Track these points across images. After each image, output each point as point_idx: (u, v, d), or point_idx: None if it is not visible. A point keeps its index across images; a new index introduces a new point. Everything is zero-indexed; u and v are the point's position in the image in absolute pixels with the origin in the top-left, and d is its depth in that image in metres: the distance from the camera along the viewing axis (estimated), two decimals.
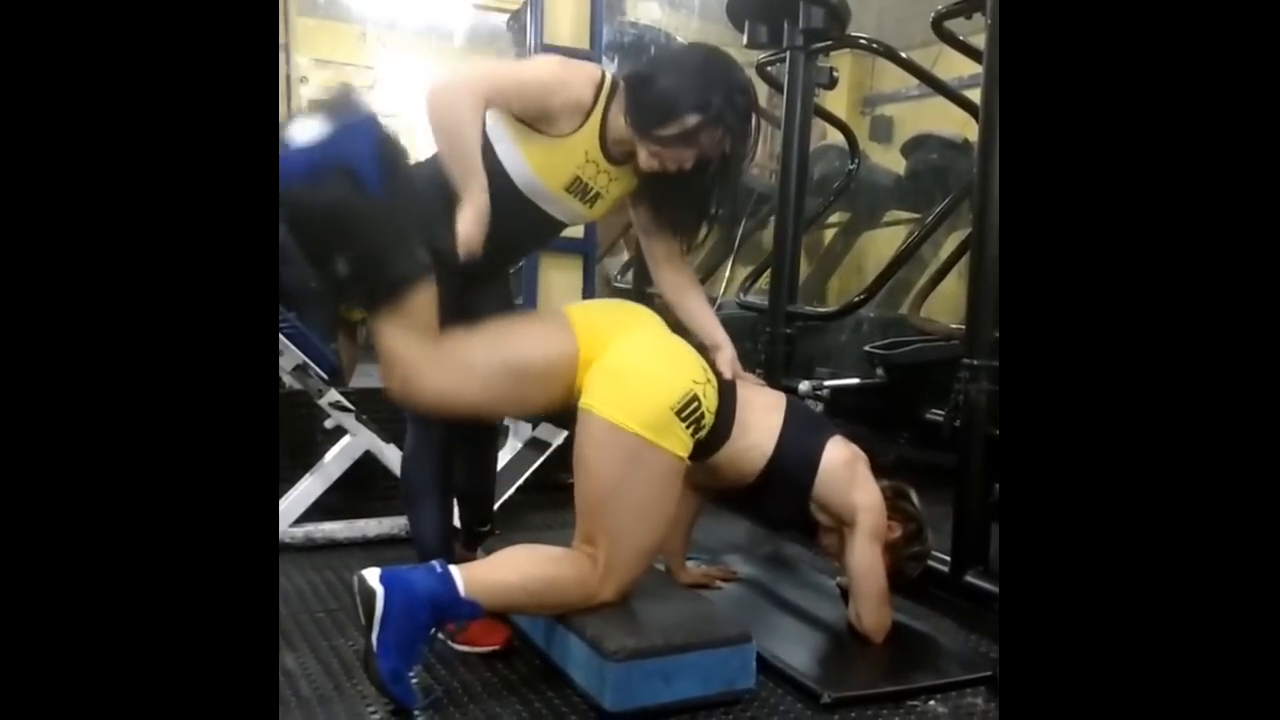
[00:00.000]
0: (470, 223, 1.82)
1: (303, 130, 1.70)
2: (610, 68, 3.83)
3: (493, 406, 1.93)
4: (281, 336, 2.77)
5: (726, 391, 2.00)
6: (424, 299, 1.80)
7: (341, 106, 1.74)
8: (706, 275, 4.76)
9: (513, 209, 1.93)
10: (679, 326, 2.15)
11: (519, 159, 1.93)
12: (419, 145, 2.01)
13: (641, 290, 4.40)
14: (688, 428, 1.86)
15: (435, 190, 1.87)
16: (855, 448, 2.13)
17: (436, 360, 1.84)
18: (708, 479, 2.10)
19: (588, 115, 1.92)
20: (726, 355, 2.12)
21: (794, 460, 2.06)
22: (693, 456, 1.92)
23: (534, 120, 1.91)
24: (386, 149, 1.74)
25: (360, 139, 1.72)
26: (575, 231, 3.18)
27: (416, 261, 1.77)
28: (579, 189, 1.98)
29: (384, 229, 1.74)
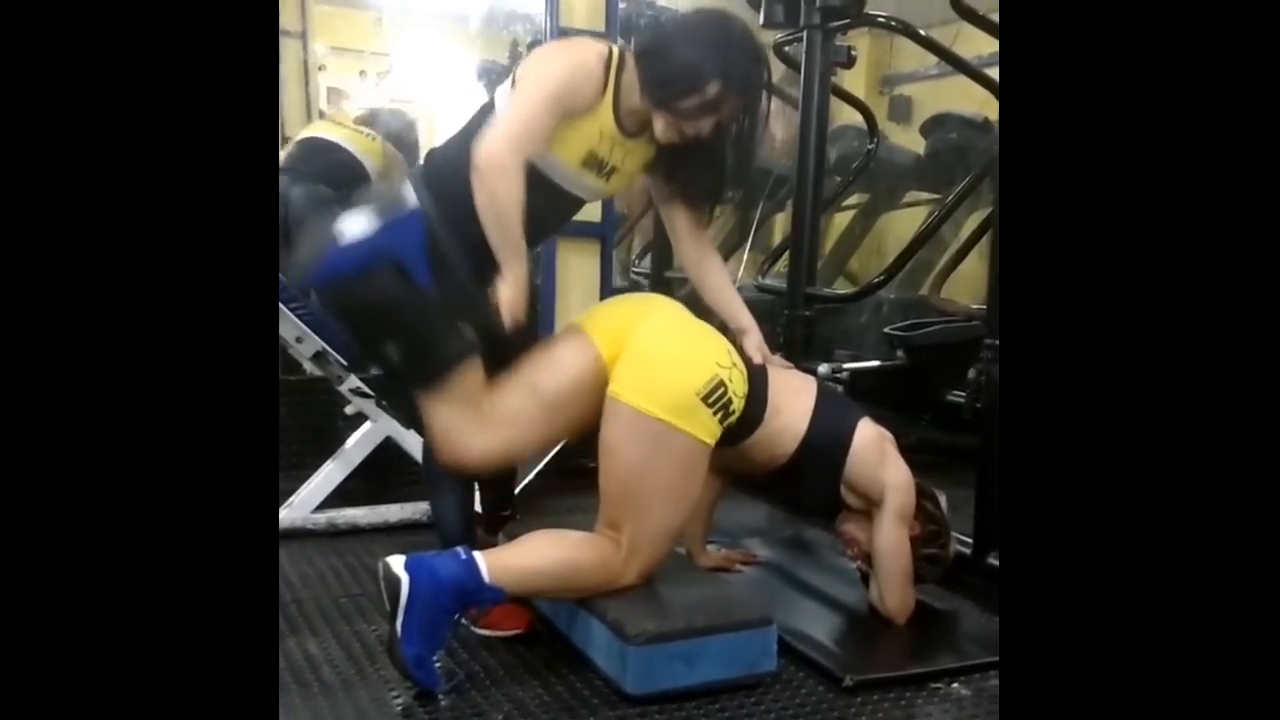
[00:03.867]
0: (512, 293, 1.86)
1: (354, 225, 1.80)
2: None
3: (546, 443, 1.96)
4: (302, 323, 2.79)
5: (757, 376, 2.00)
6: (471, 374, 1.86)
7: (391, 203, 1.83)
8: (725, 258, 4.73)
9: (531, 188, 1.92)
10: (702, 310, 2.14)
11: None
12: (435, 132, 2.02)
13: (660, 275, 4.38)
14: (715, 414, 1.85)
15: (472, 261, 1.90)
16: (883, 429, 2.12)
17: (479, 424, 1.88)
18: (738, 463, 2.09)
19: (602, 92, 1.91)
20: (754, 339, 2.11)
21: (826, 440, 2.05)
22: (724, 442, 1.92)
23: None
24: (432, 240, 1.83)
25: (409, 233, 1.82)
26: (593, 215, 3.18)
27: (464, 341, 1.86)
28: (595, 164, 1.97)
29: (432, 316, 1.84)
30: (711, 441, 1.88)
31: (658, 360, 1.87)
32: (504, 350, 1.93)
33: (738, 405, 1.90)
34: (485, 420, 1.88)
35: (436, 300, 1.83)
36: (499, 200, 1.83)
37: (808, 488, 2.17)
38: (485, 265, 1.90)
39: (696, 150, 1.98)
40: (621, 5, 3.47)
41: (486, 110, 1.97)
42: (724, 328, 2.08)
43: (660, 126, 1.91)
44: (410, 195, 1.85)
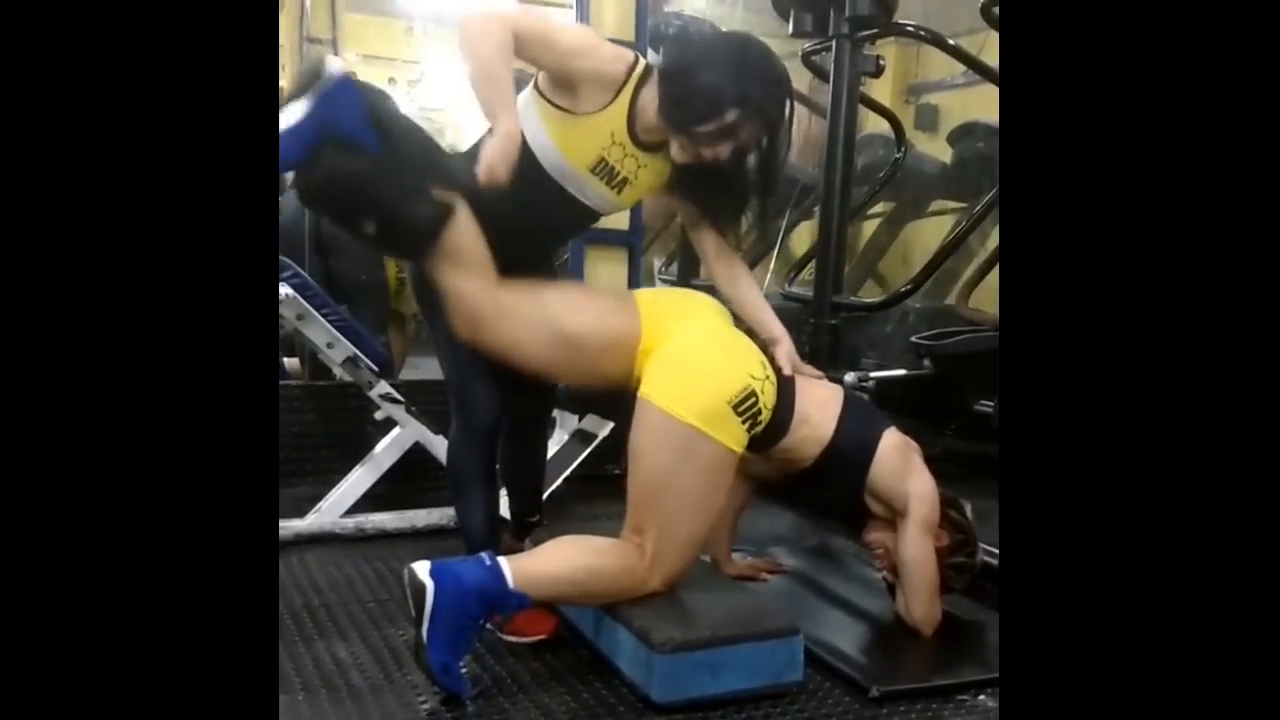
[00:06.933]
0: (498, 148, 1.75)
1: (288, 114, 1.72)
2: (654, 59, 3.83)
3: (549, 369, 1.99)
4: (332, 329, 2.81)
5: (785, 387, 2.00)
6: (463, 235, 1.85)
7: (311, 79, 1.74)
8: (751, 266, 4.74)
9: (539, 191, 1.93)
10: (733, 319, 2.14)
11: (544, 137, 1.91)
12: (463, 138, 2.02)
13: (686, 283, 4.39)
14: (743, 422, 1.86)
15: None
16: (909, 438, 2.12)
17: (502, 307, 1.89)
18: (762, 467, 2.10)
19: (616, 93, 1.89)
20: (784, 349, 2.11)
21: (851, 446, 2.05)
22: (748, 448, 1.93)
23: (559, 84, 1.89)
24: (373, 107, 1.78)
25: (342, 106, 1.75)
26: (621, 223, 3.19)
27: (435, 204, 1.81)
28: (605, 171, 1.95)
29: (393, 183, 1.79)
30: (739, 450, 1.89)
31: (692, 366, 1.88)
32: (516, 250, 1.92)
33: (765, 416, 1.91)
34: (510, 310, 1.90)
35: (393, 165, 1.78)
36: (482, 49, 1.76)
37: (831, 495, 2.17)
38: (519, 253, 1.91)
39: (716, 175, 1.97)
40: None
41: None
42: (752, 335, 2.08)
43: (676, 148, 1.91)
44: (333, 64, 1.77)
